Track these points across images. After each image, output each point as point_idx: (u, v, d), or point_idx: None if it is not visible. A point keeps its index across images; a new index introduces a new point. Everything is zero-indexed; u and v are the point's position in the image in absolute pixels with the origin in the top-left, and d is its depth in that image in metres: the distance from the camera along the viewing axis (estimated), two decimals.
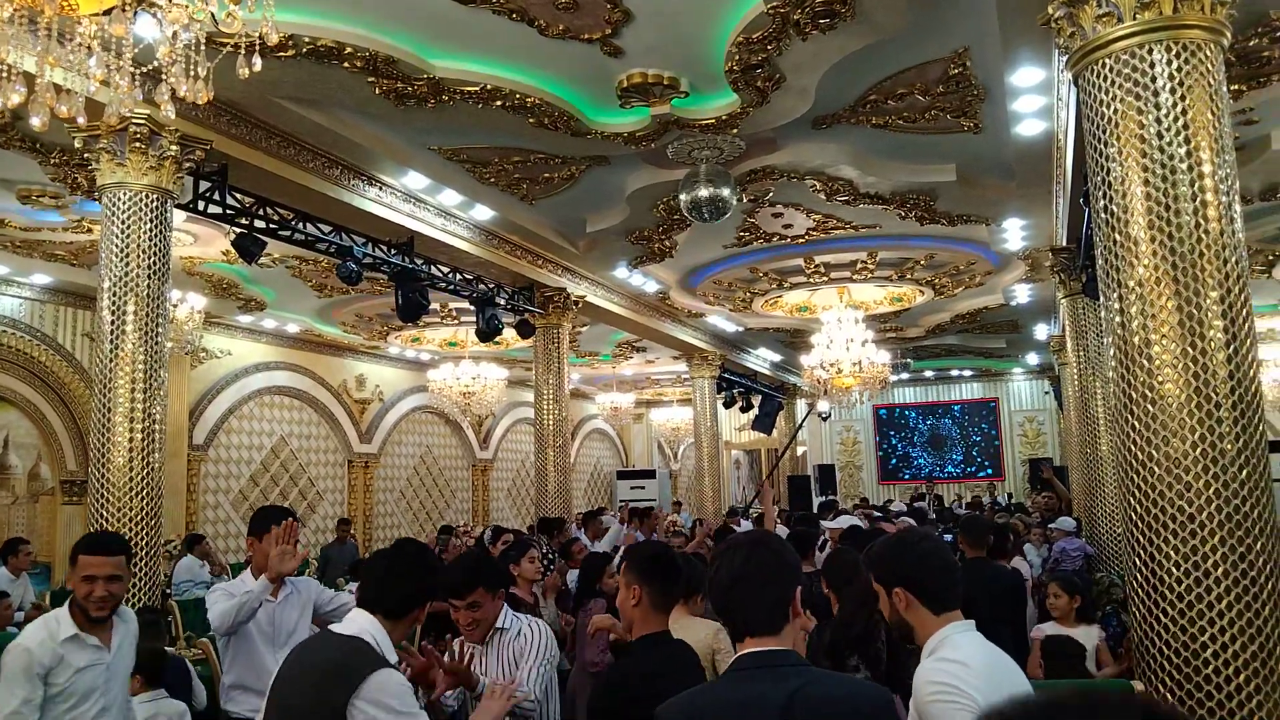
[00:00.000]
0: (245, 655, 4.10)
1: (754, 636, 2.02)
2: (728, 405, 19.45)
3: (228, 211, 7.45)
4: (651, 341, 16.48)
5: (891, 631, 2.47)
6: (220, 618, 3.95)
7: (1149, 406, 3.66)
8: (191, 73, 2.92)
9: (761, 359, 20.14)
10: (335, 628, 2.65)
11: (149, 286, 6.28)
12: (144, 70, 3.12)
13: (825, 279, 12.92)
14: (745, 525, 11.48)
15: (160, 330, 6.34)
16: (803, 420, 22.51)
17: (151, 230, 6.33)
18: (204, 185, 7.25)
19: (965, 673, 2.18)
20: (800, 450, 24.61)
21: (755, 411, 20.51)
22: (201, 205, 7.29)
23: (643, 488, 23.05)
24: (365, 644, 2.54)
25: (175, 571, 10.46)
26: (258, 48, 3.00)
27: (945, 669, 2.20)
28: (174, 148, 6.38)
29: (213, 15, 2.93)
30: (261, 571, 4.07)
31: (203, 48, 2.94)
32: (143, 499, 6.10)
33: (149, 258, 6.29)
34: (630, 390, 24.04)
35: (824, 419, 23.36)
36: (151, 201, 6.34)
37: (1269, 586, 3.43)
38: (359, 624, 2.60)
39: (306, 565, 12.89)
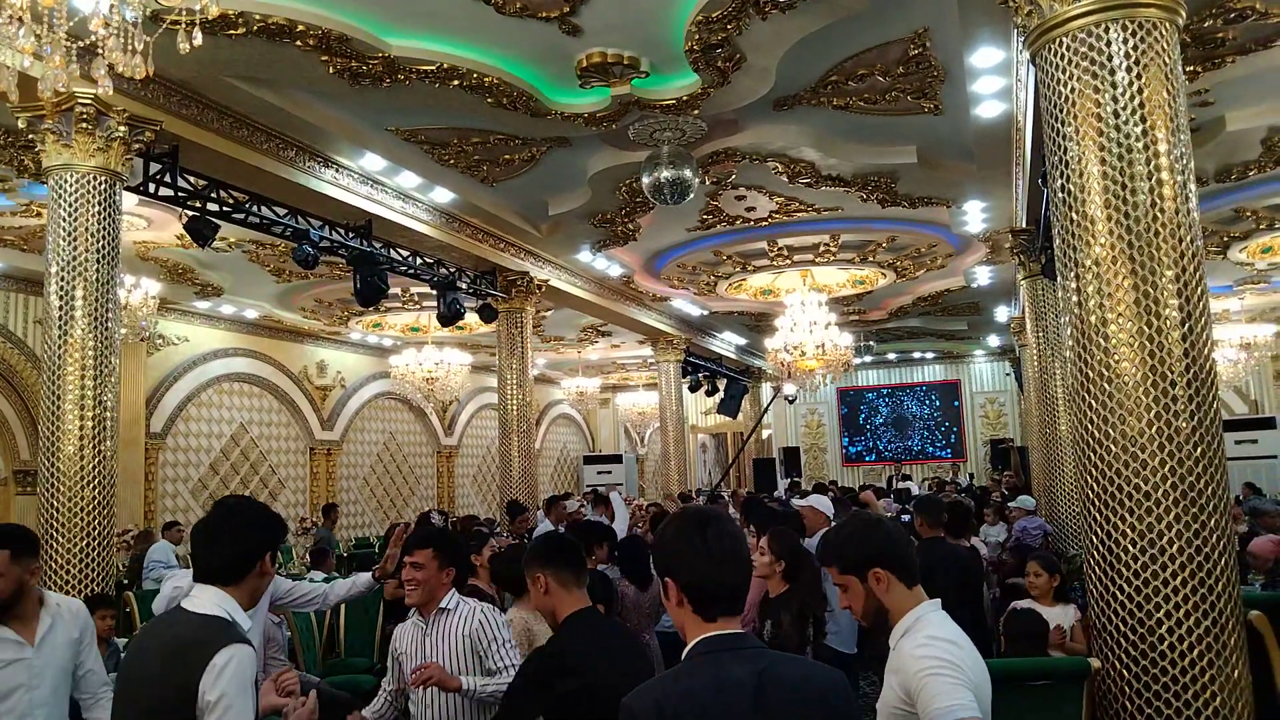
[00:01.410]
0: None
1: (724, 618, 1.97)
2: (693, 389, 19.48)
3: (179, 194, 7.30)
4: (616, 326, 16.43)
5: (863, 622, 2.43)
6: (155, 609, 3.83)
7: (1105, 385, 3.67)
8: (129, 47, 2.82)
9: (727, 343, 20.17)
10: (186, 604, 2.48)
11: (98, 271, 6.13)
12: (80, 45, 3.01)
13: (788, 262, 12.93)
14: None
15: (110, 316, 6.20)
16: (769, 404, 22.60)
17: (100, 214, 6.18)
18: (154, 167, 7.09)
19: (959, 652, 2.18)
20: (765, 433, 24.70)
21: (721, 395, 20.55)
22: (152, 188, 7.14)
23: (609, 472, 23.00)
24: (218, 619, 2.41)
25: (148, 554, 10.40)
26: (199, 22, 2.90)
27: (939, 646, 2.18)
28: (122, 129, 6.23)
29: None
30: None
31: (140, 21, 2.84)
32: (95, 488, 5.97)
33: (97, 242, 6.14)
34: (596, 375, 23.99)
35: (790, 402, 23.45)
36: (99, 184, 6.19)
37: (1221, 563, 3.46)
38: (207, 600, 2.45)
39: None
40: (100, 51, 2.87)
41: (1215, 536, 3.46)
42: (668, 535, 2.07)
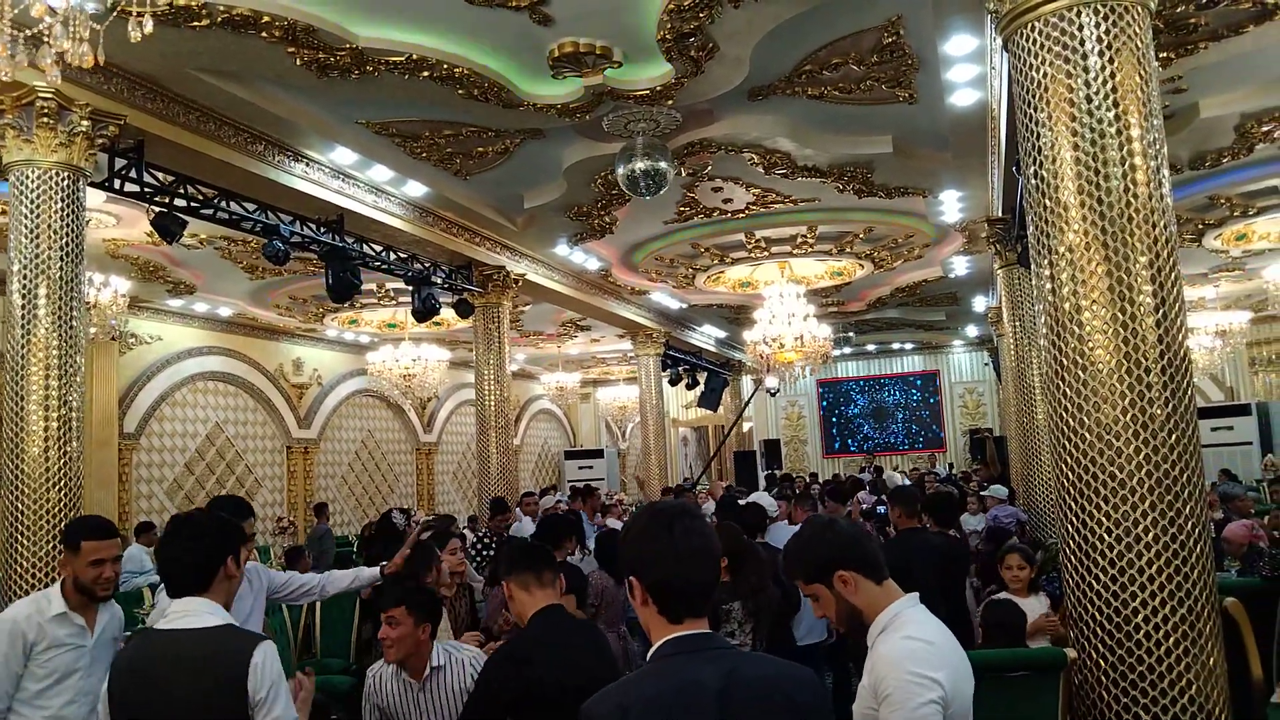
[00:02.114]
0: None
1: (691, 618, 1.91)
2: (673, 382, 19.43)
3: (145, 190, 7.17)
4: (595, 320, 16.35)
5: (839, 629, 2.39)
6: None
7: (1080, 373, 3.65)
8: (76, 35, 2.73)
9: (706, 335, 20.13)
10: (180, 623, 2.52)
11: (62, 269, 6.02)
12: (27, 34, 2.91)
13: (766, 254, 12.90)
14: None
15: (75, 314, 6.08)
16: (750, 396, 22.59)
17: (63, 210, 6.07)
18: (120, 163, 6.96)
19: (932, 653, 2.15)
20: (746, 426, 24.70)
21: (701, 388, 20.51)
22: (117, 183, 7.01)
23: (590, 467, 22.99)
24: (228, 626, 2.57)
25: (121, 561, 10.20)
26: (150, 10, 2.81)
27: (913, 649, 2.15)
28: (85, 123, 6.12)
29: None
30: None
31: (90, 9, 2.75)
32: (60, 489, 5.86)
33: (61, 239, 6.03)
34: (576, 369, 23.92)
35: (772, 394, 23.45)
36: (62, 180, 6.08)
37: (1197, 550, 3.44)
38: (200, 611, 2.55)
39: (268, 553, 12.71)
40: (47, 40, 2.78)
41: (1190, 524, 3.44)
42: (633, 532, 2.00)
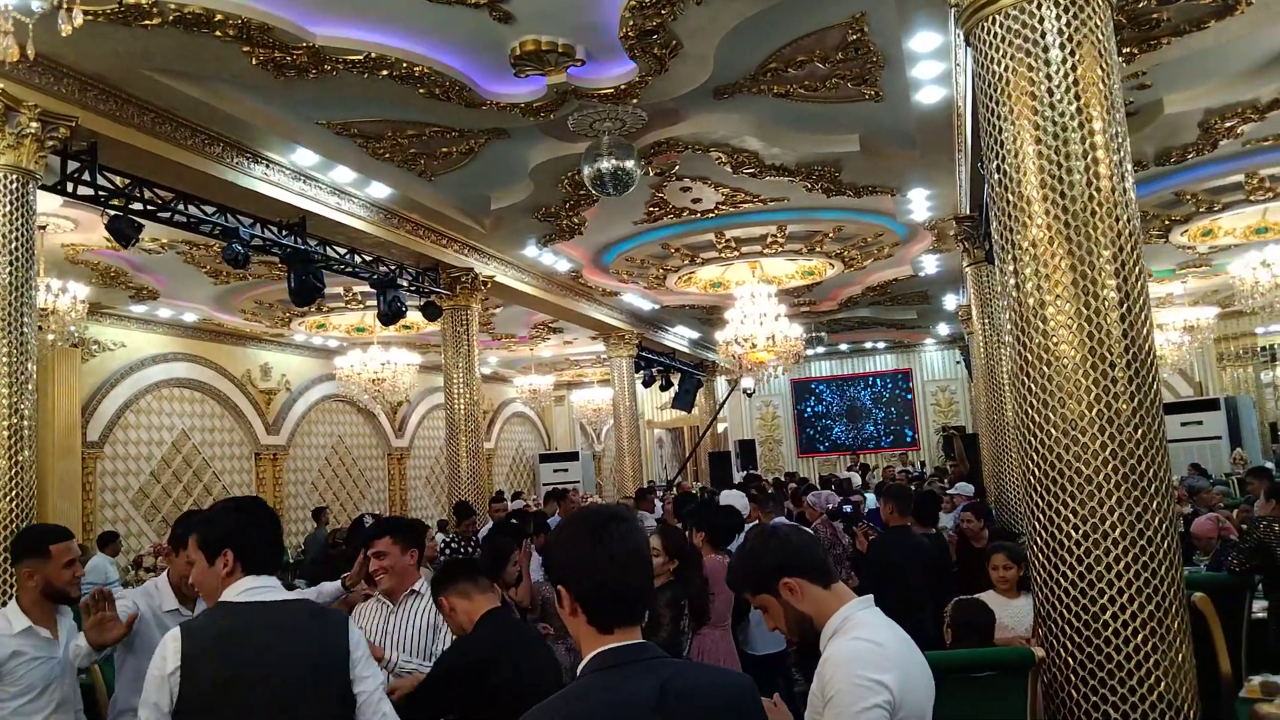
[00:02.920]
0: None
1: (622, 628, 1.81)
2: (647, 384, 19.36)
3: (99, 193, 7.02)
4: (567, 322, 16.26)
5: (791, 639, 2.34)
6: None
7: (1045, 369, 3.60)
8: (1, 29, 2.62)
9: (679, 336, 20.09)
10: (264, 597, 2.53)
11: (12, 275, 5.89)
12: None
13: (737, 254, 12.86)
14: None
15: (26, 322, 5.95)
16: (726, 397, 22.55)
17: (12, 214, 5.95)
18: (72, 165, 6.81)
19: (880, 655, 2.10)
20: (721, 427, 24.67)
21: (675, 389, 20.46)
22: (70, 187, 6.86)
23: (566, 470, 22.85)
24: (308, 600, 2.78)
25: (84, 572, 9.99)
26: (78, 4, 2.71)
27: (862, 651, 2.11)
28: (34, 124, 5.99)
29: None
30: (177, 588, 3.79)
31: (9, 4, 2.64)
32: (13, 500, 5.72)
33: (11, 244, 5.91)
34: (549, 372, 23.79)
35: (748, 395, 23.44)
36: (11, 183, 5.96)
37: (1164, 546, 3.41)
38: (276, 586, 2.60)
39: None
40: None
41: (1158, 519, 3.41)
42: (561, 538, 1.90)
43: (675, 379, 20.35)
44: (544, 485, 21.76)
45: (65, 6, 2.69)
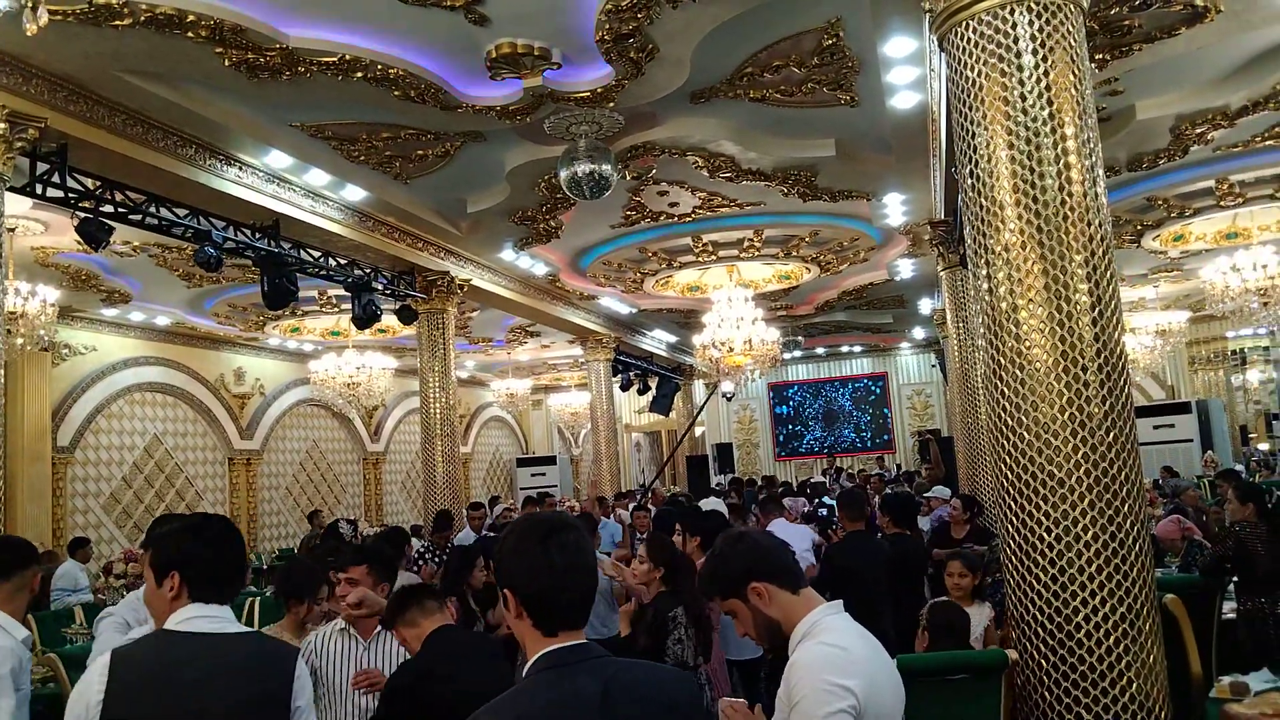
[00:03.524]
0: None
1: (567, 630, 1.87)
2: (624, 388, 19.35)
3: (69, 195, 6.93)
4: (544, 325, 16.23)
5: (760, 644, 2.33)
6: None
7: (1017, 372, 3.63)
8: None
9: (657, 340, 20.09)
10: (206, 629, 2.34)
11: None
12: None
13: (714, 258, 12.87)
14: None
15: None
16: (705, 401, 22.54)
17: None
18: (42, 167, 6.72)
19: (846, 660, 2.10)
20: (699, 431, 24.69)
21: (652, 393, 20.45)
22: (39, 188, 6.76)
23: (543, 474, 22.77)
24: (261, 634, 2.64)
25: (54, 578, 9.87)
26: (44, 2, 2.67)
27: (827, 655, 2.10)
28: (2, 125, 5.91)
29: None
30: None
31: None
32: None
33: None
34: (527, 376, 23.72)
35: (728, 399, 23.43)
36: None
37: (1135, 548, 3.44)
38: (225, 616, 2.40)
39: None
40: None
41: (1129, 522, 3.43)
42: (508, 545, 1.94)
43: (653, 383, 20.35)
44: (521, 490, 21.69)
45: (31, 5, 2.64)
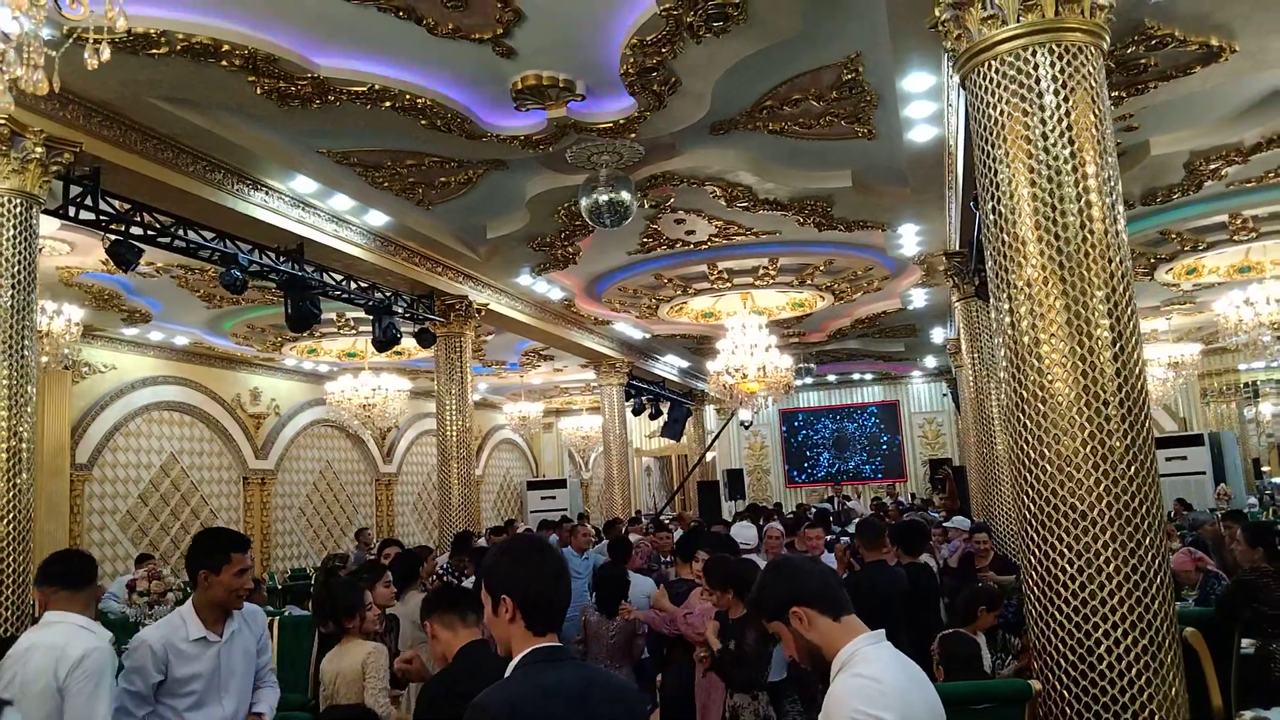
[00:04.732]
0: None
1: (551, 632, 2.21)
2: (636, 412, 19.38)
3: (101, 218, 7.06)
4: (558, 349, 16.32)
5: (802, 667, 2.40)
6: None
7: (1040, 405, 3.68)
8: (31, 62, 2.69)
9: (670, 365, 20.16)
10: None
11: (14, 298, 5.90)
12: None
13: (729, 285, 12.97)
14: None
15: (27, 345, 5.96)
16: (721, 427, 22.49)
17: (15, 238, 5.97)
18: (75, 190, 6.85)
19: (879, 691, 2.12)
20: (709, 456, 24.71)
21: (664, 418, 20.49)
22: (72, 211, 6.89)
23: (554, 498, 22.83)
24: None
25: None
26: (106, 38, 2.78)
27: (861, 687, 2.13)
28: (39, 149, 6.02)
29: (55, 0, 2.70)
30: (215, 607, 3.57)
31: (43, 35, 2.71)
32: (9, 523, 5.71)
33: (13, 267, 5.92)
34: (539, 399, 23.80)
35: (745, 427, 23.41)
36: (15, 207, 5.98)
37: (1158, 581, 3.48)
38: None
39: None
40: (1, 66, 2.73)
41: (1151, 555, 3.48)
42: (508, 556, 2.30)
43: (665, 408, 20.39)
44: (531, 512, 21.72)
45: (93, 40, 2.75)
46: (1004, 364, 3.92)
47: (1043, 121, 3.86)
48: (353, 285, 9.79)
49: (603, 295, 13.29)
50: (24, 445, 5.86)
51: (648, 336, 16.84)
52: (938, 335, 17.43)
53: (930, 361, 21.72)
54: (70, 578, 3.38)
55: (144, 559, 11.53)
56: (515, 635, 2.20)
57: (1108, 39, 4.05)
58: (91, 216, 7.02)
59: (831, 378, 23.67)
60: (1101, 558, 3.49)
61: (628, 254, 11.27)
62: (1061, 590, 3.54)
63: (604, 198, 7.81)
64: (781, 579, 2.37)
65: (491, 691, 2.12)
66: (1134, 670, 3.38)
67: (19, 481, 5.79)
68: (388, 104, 6.56)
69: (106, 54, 2.74)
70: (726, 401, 16.51)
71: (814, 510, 15.83)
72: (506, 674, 2.18)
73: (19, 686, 3.15)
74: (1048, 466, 3.64)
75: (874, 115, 7.31)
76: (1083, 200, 3.77)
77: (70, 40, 2.84)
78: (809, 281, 12.95)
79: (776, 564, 2.47)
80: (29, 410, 5.93)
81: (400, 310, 10.34)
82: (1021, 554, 3.84)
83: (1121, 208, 3.89)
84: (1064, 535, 3.56)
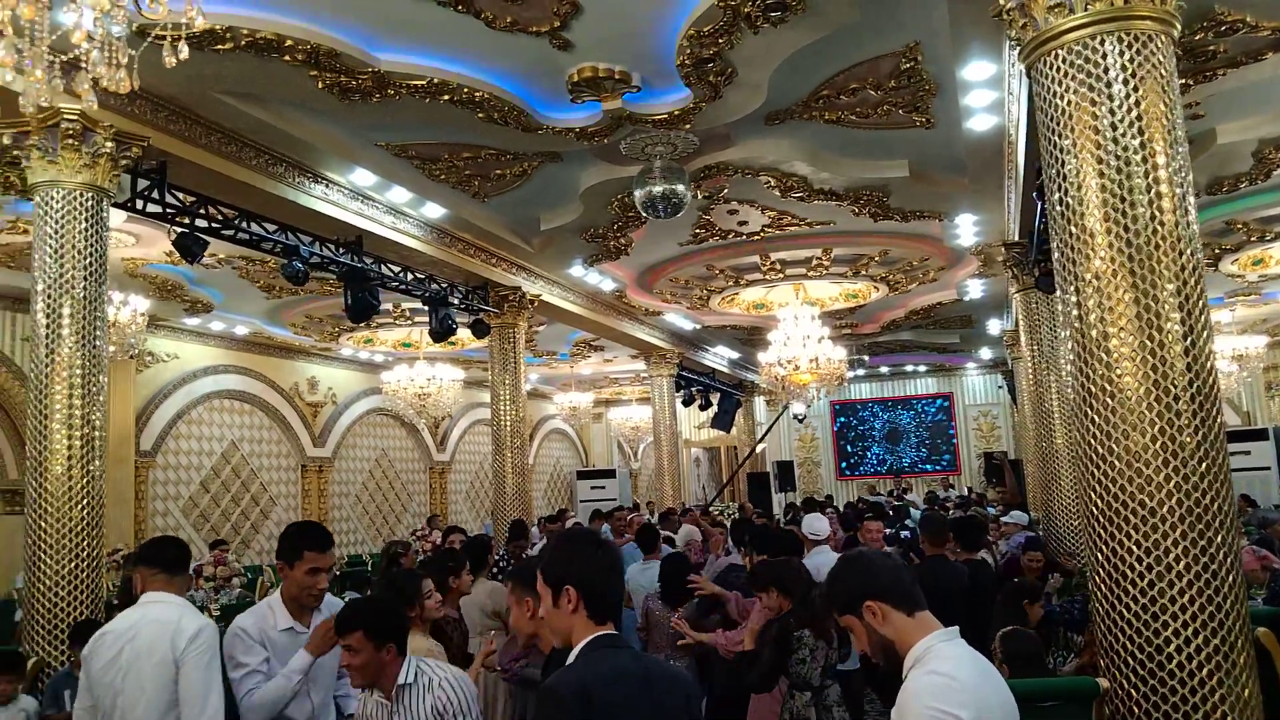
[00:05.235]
0: None
1: (611, 621, 2.31)
2: (686, 403, 19.40)
3: (167, 210, 7.23)
4: (609, 340, 16.37)
5: (875, 662, 2.38)
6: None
7: (1108, 400, 3.63)
8: (114, 61, 2.76)
9: (720, 356, 20.12)
10: None
11: (85, 289, 6.05)
12: (63, 59, 2.95)
13: (781, 276, 12.91)
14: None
15: (98, 334, 6.11)
16: (774, 420, 22.36)
17: (87, 230, 6.11)
18: (142, 183, 7.01)
19: (954, 689, 2.11)
20: (759, 448, 24.64)
21: (714, 409, 20.47)
22: (140, 204, 7.06)
23: (603, 487, 22.92)
24: None
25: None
26: (185, 36, 2.85)
27: (936, 685, 2.12)
28: (109, 144, 6.16)
29: (135, 0, 2.77)
30: (294, 600, 3.63)
31: (125, 35, 2.78)
32: (83, 508, 5.88)
33: (85, 259, 6.07)
34: (589, 389, 23.91)
35: (800, 420, 23.29)
36: (86, 200, 6.12)
37: (1229, 579, 3.41)
38: None
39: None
40: (84, 66, 2.81)
41: (1222, 553, 3.41)
42: (570, 549, 2.40)
43: (714, 399, 20.36)
44: (581, 502, 21.84)
45: (171, 39, 2.82)
46: (1070, 358, 3.86)
47: (1111, 111, 3.79)
48: (410, 276, 9.91)
49: (654, 286, 13.30)
50: (96, 433, 6.02)
51: (698, 327, 16.82)
52: (994, 326, 17.19)
53: (986, 353, 21.42)
54: (170, 562, 3.45)
55: (218, 544, 11.82)
56: (577, 625, 2.29)
57: (1178, 26, 3.97)
58: (158, 209, 7.18)
59: (884, 369, 23.45)
60: (1171, 555, 3.43)
61: (680, 245, 11.26)
62: (1129, 589, 3.49)
63: (658, 189, 7.81)
64: (855, 572, 2.36)
65: (561, 674, 2.21)
66: (1204, 670, 3.33)
67: (91, 469, 5.95)
68: (446, 97, 6.63)
69: (185, 52, 2.81)
70: (778, 393, 16.43)
71: (871, 502, 15.73)
72: (569, 660, 2.27)
73: (128, 660, 3.20)
74: (1116, 463, 3.58)
75: (932, 104, 7.21)
76: (1153, 191, 3.70)
77: (149, 40, 2.91)
78: (863, 272, 12.84)
79: (850, 557, 2.46)
80: (100, 399, 6.09)
81: (455, 301, 10.45)
82: (1087, 550, 3.79)
83: (1192, 199, 3.81)
84: (1132, 533, 3.51)
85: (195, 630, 3.25)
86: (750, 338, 17.75)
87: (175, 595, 3.39)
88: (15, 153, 6.14)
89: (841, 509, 14.22)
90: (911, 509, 14.85)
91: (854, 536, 7.87)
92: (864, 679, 4.81)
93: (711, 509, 16.58)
